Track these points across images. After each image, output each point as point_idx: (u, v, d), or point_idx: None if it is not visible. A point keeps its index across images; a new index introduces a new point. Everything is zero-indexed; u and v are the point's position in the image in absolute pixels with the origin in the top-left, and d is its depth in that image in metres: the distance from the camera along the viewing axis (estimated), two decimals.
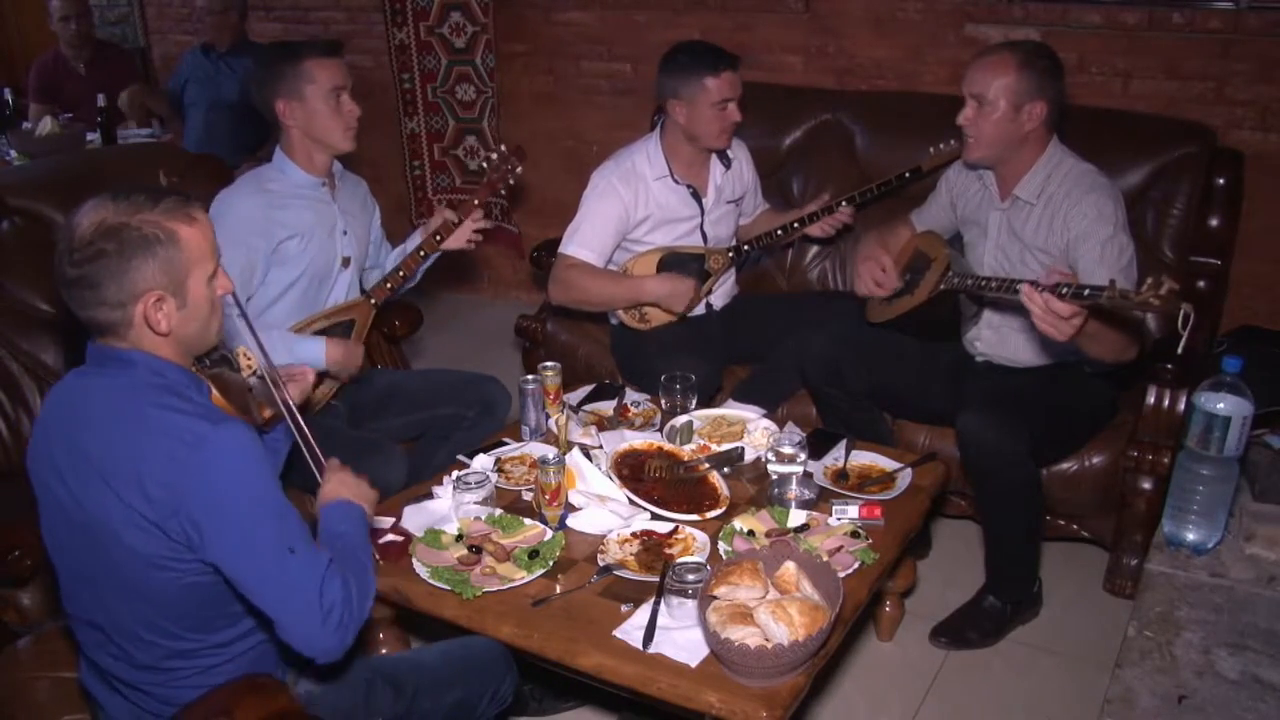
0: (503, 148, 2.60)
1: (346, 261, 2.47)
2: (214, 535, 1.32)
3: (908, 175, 2.78)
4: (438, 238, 2.50)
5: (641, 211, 2.73)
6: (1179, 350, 1.64)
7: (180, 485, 1.31)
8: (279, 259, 2.33)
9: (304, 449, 1.62)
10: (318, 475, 1.63)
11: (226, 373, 1.55)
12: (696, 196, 2.78)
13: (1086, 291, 1.80)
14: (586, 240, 2.72)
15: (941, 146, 2.74)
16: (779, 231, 2.83)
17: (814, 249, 3.16)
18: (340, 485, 1.60)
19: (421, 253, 2.51)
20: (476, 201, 2.54)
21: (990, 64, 2.25)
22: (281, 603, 1.35)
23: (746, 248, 2.84)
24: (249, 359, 1.62)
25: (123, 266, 1.33)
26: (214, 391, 1.48)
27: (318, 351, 2.31)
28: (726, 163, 2.82)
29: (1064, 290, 1.83)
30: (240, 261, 2.24)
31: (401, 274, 2.51)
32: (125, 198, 1.36)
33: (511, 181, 2.59)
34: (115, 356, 1.40)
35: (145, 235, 1.34)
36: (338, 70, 2.32)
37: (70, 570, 1.44)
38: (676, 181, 2.75)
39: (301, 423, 1.61)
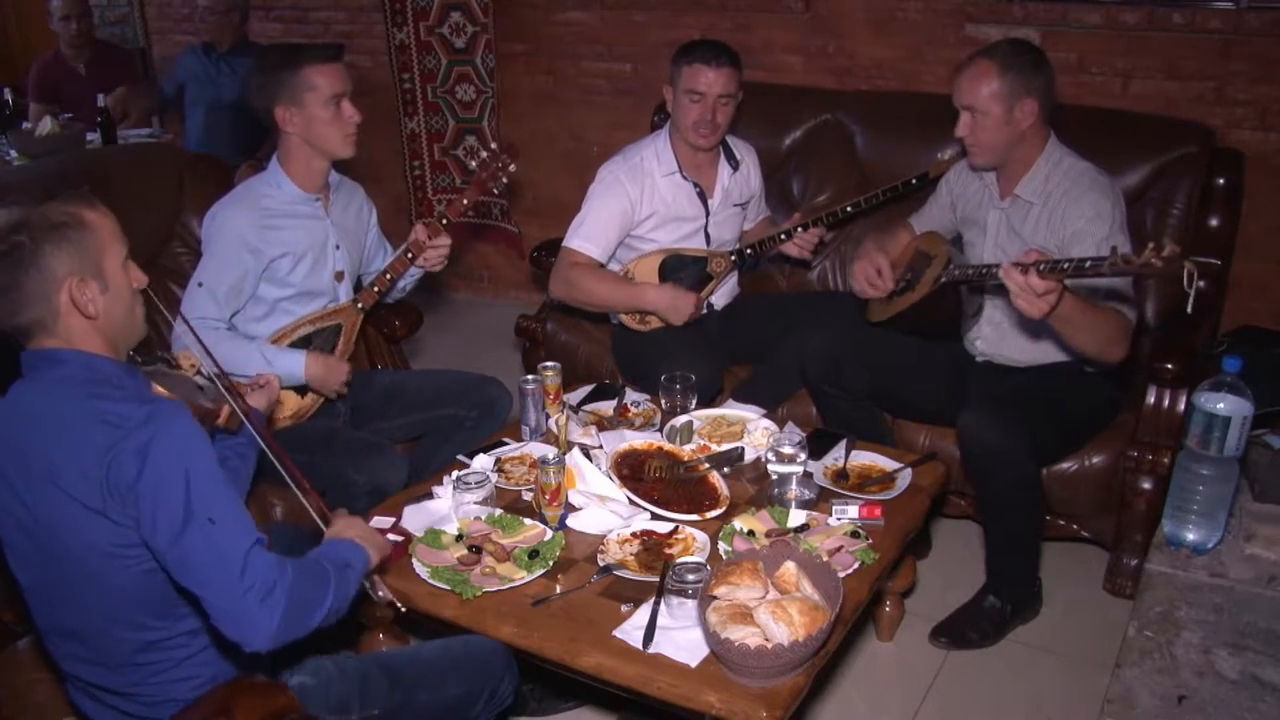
0: (494, 145, 2.59)
1: (340, 275, 2.45)
2: (142, 508, 1.32)
3: (914, 181, 2.77)
4: (409, 255, 2.49)
5: (647, 208, 2.73)
6: (1188, 309, 1.65)
7: (110, 462, 1.31)
8: (270, 275, 2.32)
9: (274, 460, 1.62)
10: (296, 492, 1.61)
11: (164, 369, 1.56)
12: (703, 197, 2.78)
13: (1089, 263, 1.85)
14: (590, 234, 2.72)
15: (950, 155, 2.73)
16: (761, 245, 2.82)
17: None
18: (348, 526, 1.59)
19: (409, 255, 2.49)
20: (466, 201, 2.52)
21: (973, 74, 2.26)
22: (198, 574, 1.32)
23: (749, 251, 2.83)
24: (190, 359, 1.63)
25: (37, 257, 1.35)
26: (154, 386, 1.49)
27: (296, 366, 2.29)
28: (734, 164, 2.82)
29: (1066, 264, 1.87)
30: (231, 277, 2.24)
31: (389, 276, 2.49)
32: (23, 202, 1.39)
33: (504, 180, 2.57)
34: (46, 357, 1.41)
35: (53, 222, 1.37)
36: (337, 76, 2.28)
37: (33, 581, 1.44)
38: (685, 178, 2.75)
39: (266, 434, 1.63)
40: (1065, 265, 1.88)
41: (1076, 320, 2.04)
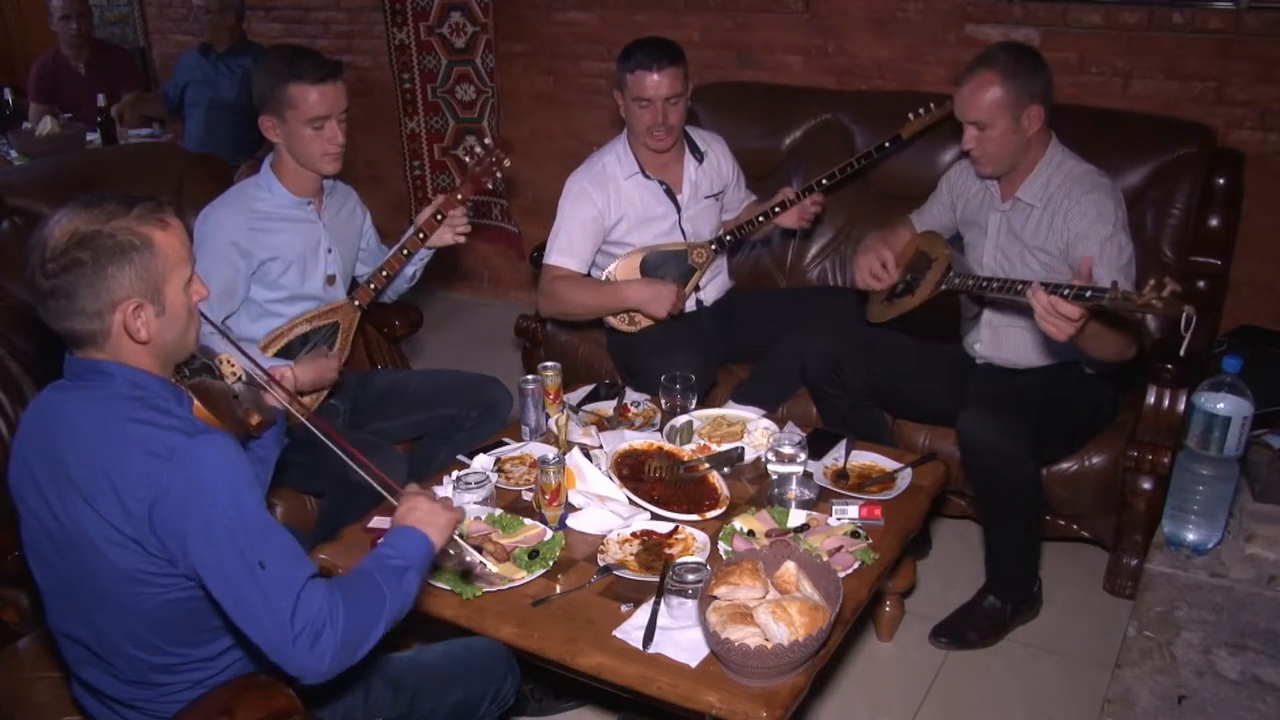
0: (488, 140, 2.59)
1: (331, 279, 2.45)
2: (189, 547, 1.30)
3: (888, 145, 2.76)
4: (421, 235, 2.49)
5: (615, 212, 2.72)
6: (1181, 353, 1.64)
7: (154, 499, 1.29)
8: (260, 278, 2.31)
9: (342, 455, 1.57)
10: (377, 487, 1.55)
11: (208, 381, 1.52)
12: (671, 194, 2.76)
13: (1089, 293, 1.81)
14: (564, 247, 2.72)
15: (920, 112, 2.73)
16: (749, 224, 2.78)
17: (814, 248, 3.16)
18: (408, 511, 1.49)
19: (405, 251, 2.49)
20: (460, 196, 2.51)
21: (976, 86, 2.25)
22: (250, 619, 1.30)
23: (729, 238, 2.82)
24: (232, 365, 1.61)
25: (99, 275, 1.31)
26: (196, 402, 1.45)
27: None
28: (699, 156, 2.80)
29: (1066, 292, 1.84)
30: (222, 280, 2.22)
31: (385, 273, 2.48)
32: (96, 205, 1.34)
33: (499, 174, 2.57)
34: (93, 369, 1.37)
35: (120, 242, 1.32)
36: (322, 100, 2.23)
37: (53, 585, 1.42)
38: (648, 177, 2.74)
39: (315, 429, 1.59)
40: (1065, 292, 1.85)
41: (1099, 335, 2.01)
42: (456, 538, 1.56)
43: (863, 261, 2.54)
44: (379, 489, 1.56)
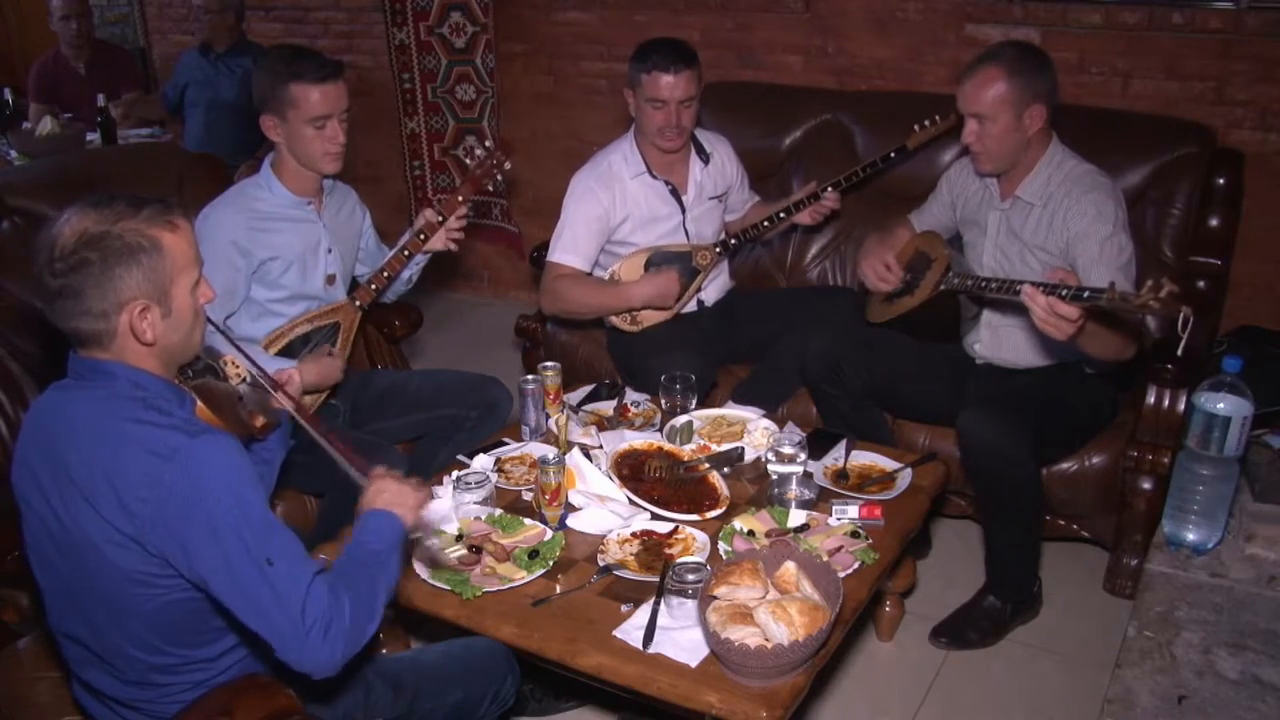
0: (488, 143, 2.59)
1: (331, 279, 2.45)
2: (191, 549, 1.30)
3: (893, 155, 2.77)
4: (421, 237, 2.49)
5: (621, 212, 2.72)
6: (1179, 353, 1.64)
7: (156, 500, 1.29)
8: (260, 277, 2.31)
9: (331, 452, 1.58)
10: (356, 479, 1.56)
11: (212, 382, 1.52)
12: (676, 194, 2.77)
13: (1086, 294, 1.81)
14: (569, 245, 2.72)
15: (926, 124, 2.74)
16: (765, 223, 2.81)
17: (814, 248, 3.16)
18: (377, 494, 1.51)
19: (406, 253, 2.49)
20: (461, 198, 2.51)
21: (980, 80, 2.24)
22: (261, 617, 1.31)
23: (734, 241, 2.82)
24: (237, 367, 1.61)
25: (106, 276, 1.31)
26: (199, 404, 1.45)
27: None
28: (705, 158, 2.80)
29: (1064, 292, 1.84)
30: (223, 280, 2.22)
31: (385, 274, 2.49)
32: (106, 206, 1.34)
33: (499, 176, 2.58)
34: (96, 368, 1.37)
35: (129, 243, 1.32)
36: (323, 100, 2.24)
37: (54, 585, 1.42)
38: (654, 177, 2.74)
39: (308, 426, 1.59)
40: (1064, 293, 1.86)
41: (1097, 335, 2.01)
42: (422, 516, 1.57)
43: (866, 265, 2.53)
44: (350, 472, 1.56)
